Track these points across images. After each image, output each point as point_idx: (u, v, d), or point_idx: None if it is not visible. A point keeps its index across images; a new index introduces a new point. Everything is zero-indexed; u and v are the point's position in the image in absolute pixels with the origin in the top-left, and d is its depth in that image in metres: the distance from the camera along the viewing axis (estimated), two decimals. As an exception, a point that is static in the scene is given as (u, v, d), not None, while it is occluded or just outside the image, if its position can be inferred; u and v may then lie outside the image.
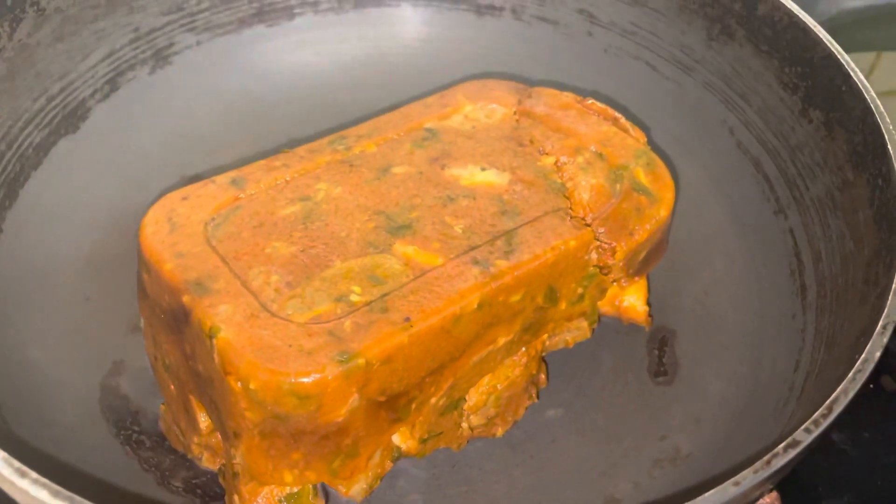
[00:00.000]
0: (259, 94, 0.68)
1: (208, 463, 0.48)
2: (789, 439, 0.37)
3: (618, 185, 0.51)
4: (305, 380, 0.40)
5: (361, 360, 0.41)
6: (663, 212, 0.51)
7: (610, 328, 0.56)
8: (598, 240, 0.49)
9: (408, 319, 0.43)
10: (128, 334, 0.55)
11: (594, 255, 0.50)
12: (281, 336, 0.41)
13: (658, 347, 0.56)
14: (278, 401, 0.40)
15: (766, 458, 0.37)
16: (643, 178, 0.52)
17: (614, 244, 0.50)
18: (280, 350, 0.41)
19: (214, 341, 0.41)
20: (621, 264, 0.50)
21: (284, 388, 0.40)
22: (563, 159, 0.51)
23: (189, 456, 0.49)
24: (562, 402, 0.54)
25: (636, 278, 0.53)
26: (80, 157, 0.61)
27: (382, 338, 0.42)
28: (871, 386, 0.60)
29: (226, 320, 0.42)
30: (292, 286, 0.44)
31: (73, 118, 0.61)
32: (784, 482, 0.54)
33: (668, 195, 0.52)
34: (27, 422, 0.49)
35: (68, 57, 0.60)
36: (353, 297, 0.44)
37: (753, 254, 0.59)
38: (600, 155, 0.52)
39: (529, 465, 0.51)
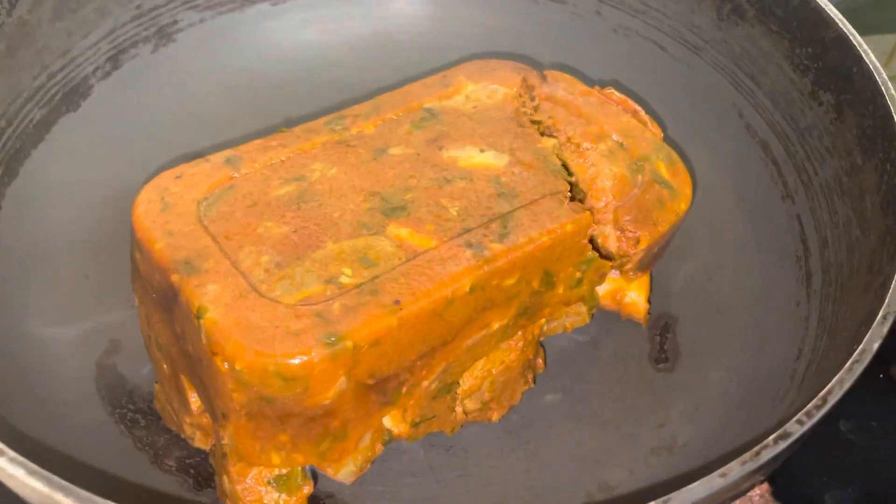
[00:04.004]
0: (263, 73, 0.67)
1: (200, 443, 0.48)
2: (780, 431, 0.36)
3: (639, 176, 0.50)
4: (291, 361, 0.40)
5: (349, 343, 0.41)
6: (683, 206, 0.51)
7: (610, 313, 0.55)
8: (621, 230, 0.49)
9: (397, 302, 0.42)
10: (126, 313, 0.55)
11: (615, 244, 0.49)
12: (268, 317, 0.41)
13: (660, 333, 0.56)
14: (264, 382, 0.40)
15: (754, 449, 0.36)
16: (664, 171, 0.51)
17: (639, 233, 0.49)
18: (267, 331, 0.40)
19: (202, 321, 0.41)
20: (641, 255, 0.50)
21: (270, 369, 0.40)
22: (585, 145, 0.51)
23: (182, 436, 0.49)
24: (560, 388, 0.53)
25: (640, 273, 0.53)
26: (81, 135, 0.61)
27: (371, 320, 0.41)
28: (881, 375, 0.59)
29: (213, 300, 0.41)
30: (282, 267, 0.44)
31: (74, 96, 0.61)
32: (788, 471, 0.54)
33: (687, 191, 0.52)
34: (20, 398, 0.49)
35: (69, 34, 0.60)
36: (344, 279, 0.43)
37: (760, 239, 0.58)
38: (621, 145, 0.51)
39: (525, 450, 0.51)
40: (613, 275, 0.53)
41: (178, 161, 0.61)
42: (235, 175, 0.48)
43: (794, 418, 0.37)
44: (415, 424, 0.47)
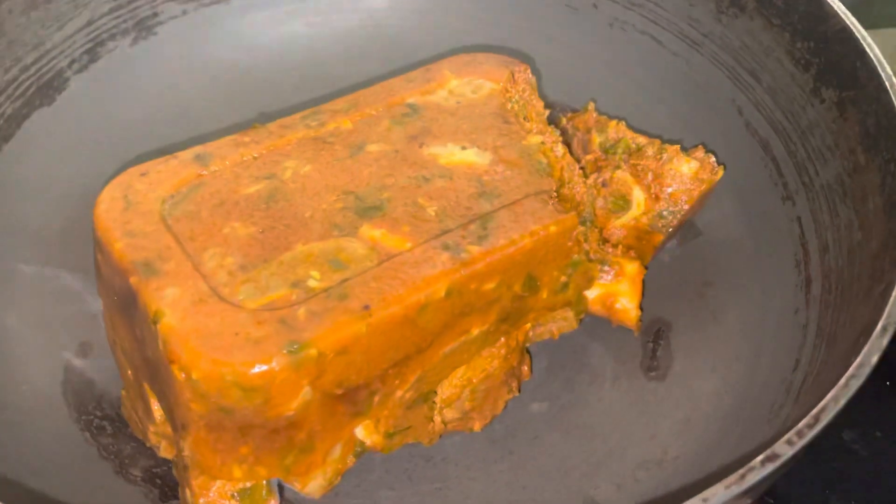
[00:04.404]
0: (248, 67, 0.65)
1: (166, 453, 0.46)
2: (768, 451, 0.34)
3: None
4: (250, 371, 0.38)
5: (313, 351, 0.38)
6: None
7: (601, 319, 0.53)
8: (700, 161, 0.52)
9: (367, 307, 0.40)
10: (98, 314, 0.53)
11: (693, 170, 0.51)
12: (228, 323, 0.39)
13: (652, 340, 0.53)
14: (222, 392, 0.38)
15: (739, 472, 0.33)
16: None
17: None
18: (225, 338, 0.38)
19: (158, 327, 0.39)
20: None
21: (228, 379, 0.38)
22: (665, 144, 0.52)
23: (147, 444, 0.47)
24: (547, 397, 0.51)
25: (678, 220, 0.52)
26: (55, 130, 0.59)
27: (337, 327, 0.39)
28: (888, 383, 0.56)
29: (171, 304, 0.39)
30: (247, 269, 0.41)
31: (48, 89, 0.59)
32: (787, 482, 0.51)
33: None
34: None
35: (43, 26, 0.58)
36: (311, 283, 0.41)
37: (758, 242, 0.55)
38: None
39: (508, 462, 0.49)
40: (605, 279, 0.51)
41: (156, 157, 0.60)
42: (204, 172, 0.46)
43: (784, 438, 0.34)
44: (389, 435, 0.44)
